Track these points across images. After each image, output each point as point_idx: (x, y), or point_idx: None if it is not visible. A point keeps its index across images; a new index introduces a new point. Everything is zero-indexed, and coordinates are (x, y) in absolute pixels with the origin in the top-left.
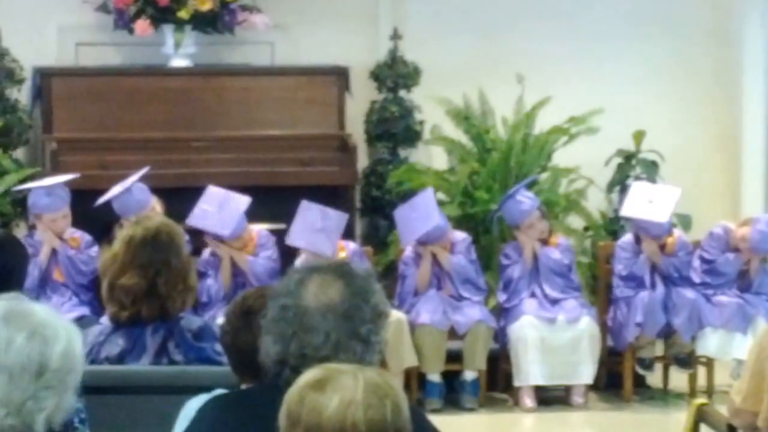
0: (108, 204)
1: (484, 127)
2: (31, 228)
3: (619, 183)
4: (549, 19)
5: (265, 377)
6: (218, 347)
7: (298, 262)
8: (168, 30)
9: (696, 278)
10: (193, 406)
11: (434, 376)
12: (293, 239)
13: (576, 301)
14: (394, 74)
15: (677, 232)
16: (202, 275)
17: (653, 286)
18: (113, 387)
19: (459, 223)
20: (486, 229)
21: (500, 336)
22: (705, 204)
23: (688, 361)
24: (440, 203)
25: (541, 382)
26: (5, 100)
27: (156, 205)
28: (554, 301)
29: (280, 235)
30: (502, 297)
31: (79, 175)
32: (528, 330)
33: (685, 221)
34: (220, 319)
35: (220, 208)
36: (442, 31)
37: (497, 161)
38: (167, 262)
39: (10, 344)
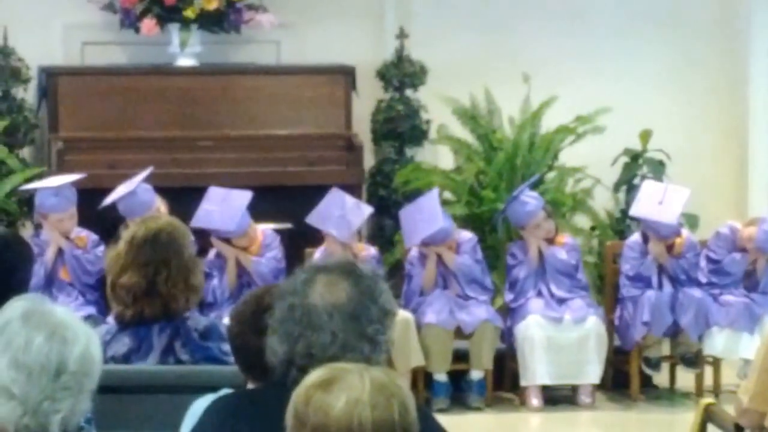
0: (114, 204)
1: (490, 126)
2: (38, 227)
3: (626, 182)
4: (555, 18)
5: (272, 377)
6: (225, 347)
7: (317, 254)
8: (174, 29)
9: (703, 278)
10: (199, 405)
11: (441, 376)
12: (313, 218)
13: (582, 301)
14: (401, 73)
15: (685, 233)
16: (207, 276)
17: (660, 285)
18: (120, 386)
19: (465, 222)
20: (492, 229)
21: (507, 335)
22: (712, 204)
23: (694, 360)
24: (447, 202)
25: (547, 381)
26: (11, 99)
27: (160, 205)
28: (561, 301)
29: (285, 235)
30: (508, 296)
31: (85, 175)
32: (534, 329)
33: (692, 221)
34: (226, 319)
35: (222, 206)
36: (448, 30)
37: (504, 160)
38: (167, 261)
39: (29, 344)
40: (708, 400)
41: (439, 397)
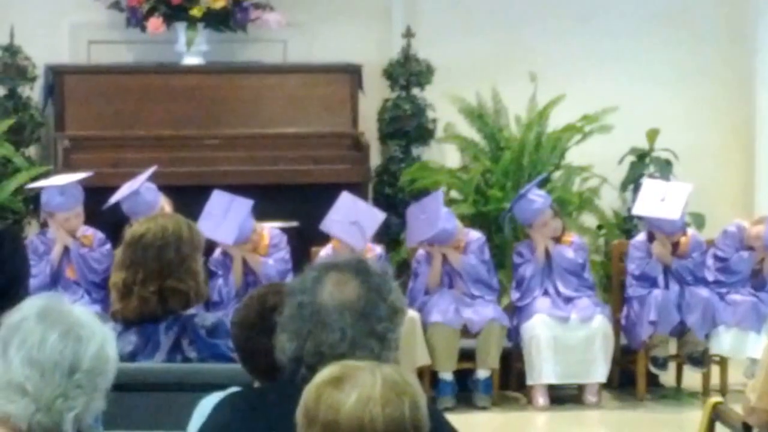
0: (119, 203)
1: (497, 125)
2: (44, 226)
3: (633, 181)
4: (562, 17)
5: (280, 375)
6: (232, 344)
7: (323, 253)
8: (180, 28)
9: (710, 276)
10: (207, 403)
11: (446, 375)
12: (327, 225)
13: (589, 300)
14: (407, 72)
15: (691, 232)
16: (212, 275)
17: (667, 285)
18: (127, 384)
19: (472, 221)
20: (499, 228)
21: (513, 334)
22: (719, 202)
23: (701, 359)
24: (453, 201)
25: (554, 380)
26: (17, 97)
27: (165, 204)
28: (567, 300)
29: (291, 234)
30: (515, 295)
31: (92, 173)
32: (541, 328)
33: (698, 220)
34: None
35: (224, 214)
36: (455, 29)
37: (510, 159)
38: (143, 263)
39: (43, 341)
40: (716, 399)
41: (444, 395)
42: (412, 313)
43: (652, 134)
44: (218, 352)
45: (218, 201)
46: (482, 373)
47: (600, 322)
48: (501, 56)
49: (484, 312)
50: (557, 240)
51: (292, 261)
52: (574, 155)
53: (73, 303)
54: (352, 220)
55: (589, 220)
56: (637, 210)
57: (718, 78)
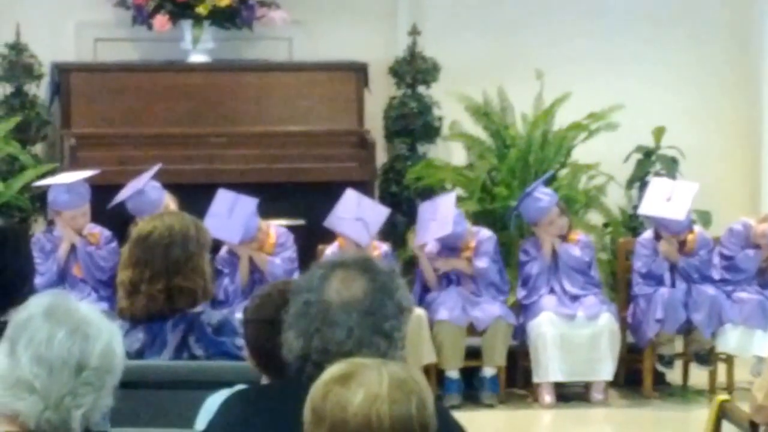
0: (124, 202)
1: (503, 123)
2: (51, 224)
3: (639, 179)
4: (568, 15)
5: (287, 373)
6: (238, 341)
7: (329, 251)
8: (186, 25)
9: (716, 275)
10: (214, 401)
11: (452, 373)
12: (332, 223)
13: (595, 298)
14: (413, 70)
15: (697, 229)
16: (218, 273)
17: (673, 283)
18: (134, 382)
19: (478, 219)
20: (504, 226)
21: (519, 332)
22: (725, 200)
23: (708, 357)
24: (459, 199)
25: (560, 378)
26: (24, 95)
27: (170, 202)
28: (574, 298)
29: (298, 232)
30: (521, 293)
31: (99, 171)
32: (547, 326)
33: (705, 218)
34: (239, 315)
35: (229, 213)
36: (461, 26)
37: (516, 157)
38: (151, 261)
39: (51, 339)
40: (723, 396)
41: (450, 393)
42: (418, 311)
43: (659, 132)
44: (225, 349)
45: (223, 200)
46: (488, 371)
47: (606, 320)
48: (507, 54)
49: (491, 310)
50: (563, 238)
51: (299, 259)
52: (581, 153)
53: (79, 301)
54: (357, 217)
55: (596, 218)
56: (643, 210)
57: (725, 76)
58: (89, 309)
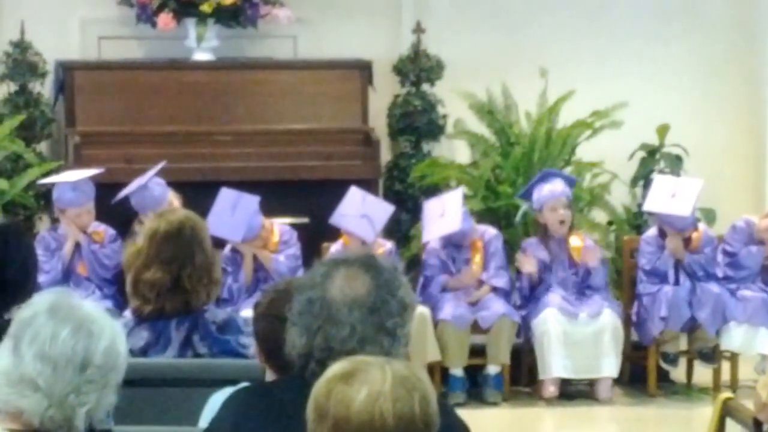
0: (128, 198)
1: (507, 121)
2: (55, 222)
3: (643, 177)
4: (572, 12)
5: (290, 370)
6: (243, 340)
7: (333, 248)
8: (190, 24)
9: (719, 272)
10: (218, 399)
11: (457, 371)
12: (336, 220)
13: (599, 295)
14: (417, 68)
15: (702, 227)
16: (223, 272)
17: (677, 281)
18: (138, 379)
19: (482, 216)
20: (509, 223)
21: (523, 330)
22: (729, 198)
23: (712, 355)
24: (463, 197)
25: (564, 374)
26: (28, 93)
27: (173, 199)
28: (577, 296)
29: (302, 230)
30: (523, 291)
31: (104, 170)
32: (551, 323)
33: (709, 215)
34: (243, 313)
35: (232, 212)
36: (465, 24)
37: (520, 155)
38: (191, 256)
39: (55, 337)
40: (727, 394)
41: (455, 391)
42: (422, 309)
43: (663, 130)
44: (229, 347)
45: (225, 198)
46: (493, 369)
47: (609, 317)
48: (511, 52)
49: (495, 308)
50: (567, 234)
51: (303, 257)
52: (585, 151)
53: (83, 299)
54: (362, 214)
55: (600, 216)
56: (648, 206)
57: (729, 74)
58: (93, 307)
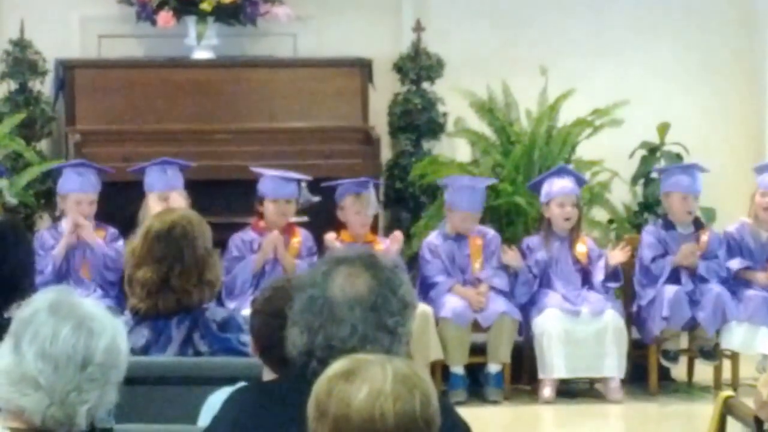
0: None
1: (507, 119)
2: (56, 220)
3: (644, 176)
4: (573, 10)
5: (291, 369)
6: (243, 338)
7: (329, 237)
8: (190, 22)
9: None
10: (216, 398)
11: (458, 368)
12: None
13: (600, 294)
14: (417, 66)
15: (708, 228)
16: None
17: (678, 280)
18: (138, 378)
19: (482, 215)
20: (510, 222)
21: (524, 329)
22: (730, 197)
23: (713, 353)
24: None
25: (564, 375)
26: (28, 92)
27: (179, 197)
28: (578, 294)
29: (302, 228)
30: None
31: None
32: (552, 323)
33: (709, 214)
34: (245, 311)
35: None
36: (465, 22)
37: (521, 153)
38: (180, 255)
39: (56, 335)
40: (727, 392)
41: (456, 389)
42: (425, 308)
43: (663, 128)
44: (229, 346)
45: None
46: (493, 368)
47: (611, 316)
48: (511, 50)
49: (495, 306)
50: (572, 233)
51: None
52: (585, 149)
53: (83, 297)
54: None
55: (600, 214)
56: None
57: (730, 72)
58: (93, 305)
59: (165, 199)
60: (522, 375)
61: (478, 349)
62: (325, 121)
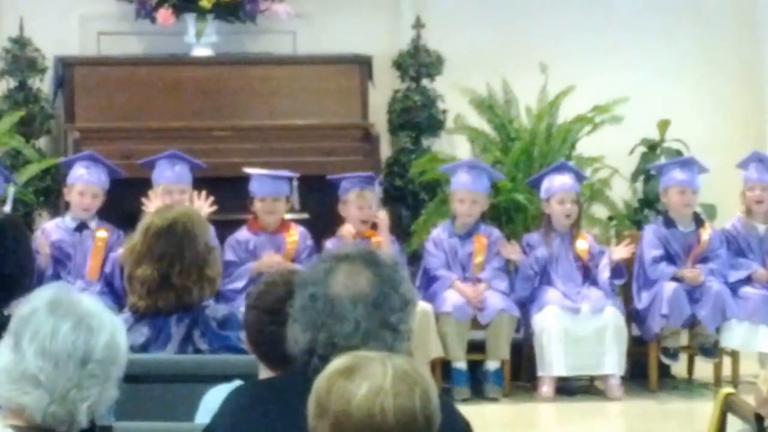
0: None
1: (507, 116)
2: (54, 217)
3: (644, 172)
4: (573, 7)
5: (292, 366)
6: (243, 335)
7: (329, 244)
8: (190, 19)
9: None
10: (213, 396)
11: (460, 364)
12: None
13: (600, 291)
14: (417, 63)
15: (710, 225)
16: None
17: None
18: (139, 375)
19: (482, 212)
20: (509, 219)
21: (524, 326)
22: (730, 194)
23: (713, 350)
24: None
25: (564, 373)
26: (27, 89)
27: (182, 193)
28: (578, 291)
29: (302, 225)
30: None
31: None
32: (552, 320)
33: (709, 211)
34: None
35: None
36: (464, 19)
37: (521, 150)
38: (181, 253)
39: (56, 332)
40: (728, 390)
41: (459, 385)
42: (426, 306)
43: (663, 125)
44: (229, 344)
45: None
46: (492, 365)
47: (611, 314)
48: (511, 47)
49: (494, 303)
50: (572, 229)
51: None
52: (585, 146)
53: (81, 293)
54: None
55: (600, 211)
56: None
57: (729, 69)
58: (91, 301)
59: (170, 192)
60: (522, 372)
61: (476, 347)
62: (325, 118)
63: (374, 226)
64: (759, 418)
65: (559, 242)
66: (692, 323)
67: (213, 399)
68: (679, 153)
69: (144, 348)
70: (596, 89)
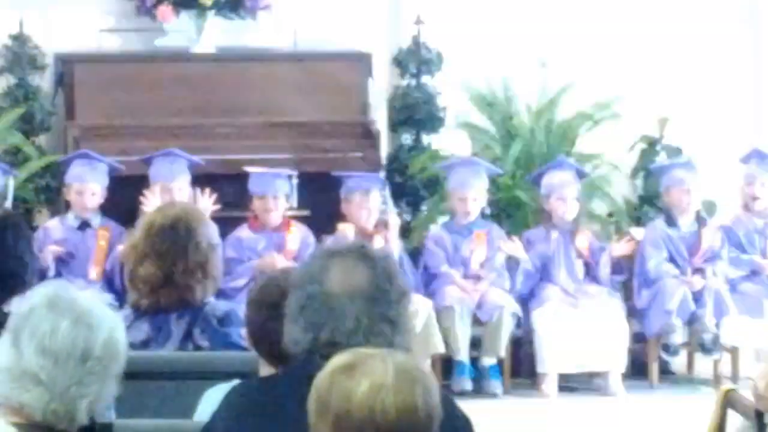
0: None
1: (507, 113)
2: (54, 215)
3: (643, 169)
4: (572, 4)
5: (293, 364)
6: (244, 332)
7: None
8: (190, 16)
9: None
10: (213, 394)
11: (462, 357)
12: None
13: (601, 288)
14: (417, 60)
15: (713, 225)
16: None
17: (682, 270)
18: (139, 372)
19: (482, 208)
20: (509, 215)
21: (524, 322)
22: (729, 190)
23: (713, 347)
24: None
25: (564, 370)
26: (28, 86)
27: (179, 191)
28: (579, 288)
29: (302, 222)
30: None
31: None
32: (552, 316)
33: (709, 208)
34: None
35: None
36: (464, 16)
37: (521, 147)
38: (185, 251)
39: (55, 330)
40: (728, 386)
41: (462, 377)
42: (426, 302)
43: (663, 122)
44: (230, 340)
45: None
46: (491, 361)
47: (611, 310)
48: (511, 44)
49: (494, 300)
50: (573, 227)
51: None
52: (585, 143)
53: (80, 291)
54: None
55: (600, 207)
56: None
57: (730, 66)
58: (89, 299)
59: (168, 190)
60: (522, 369)
61: (475, 343)
62: (325, 114)
63: (378, 227)
64: (759, 415)
65: (560, 239)
66: (692, 319)
67: (213, 397)
68: (678, 149)
69: (144, 345)
70: (596, 86)
